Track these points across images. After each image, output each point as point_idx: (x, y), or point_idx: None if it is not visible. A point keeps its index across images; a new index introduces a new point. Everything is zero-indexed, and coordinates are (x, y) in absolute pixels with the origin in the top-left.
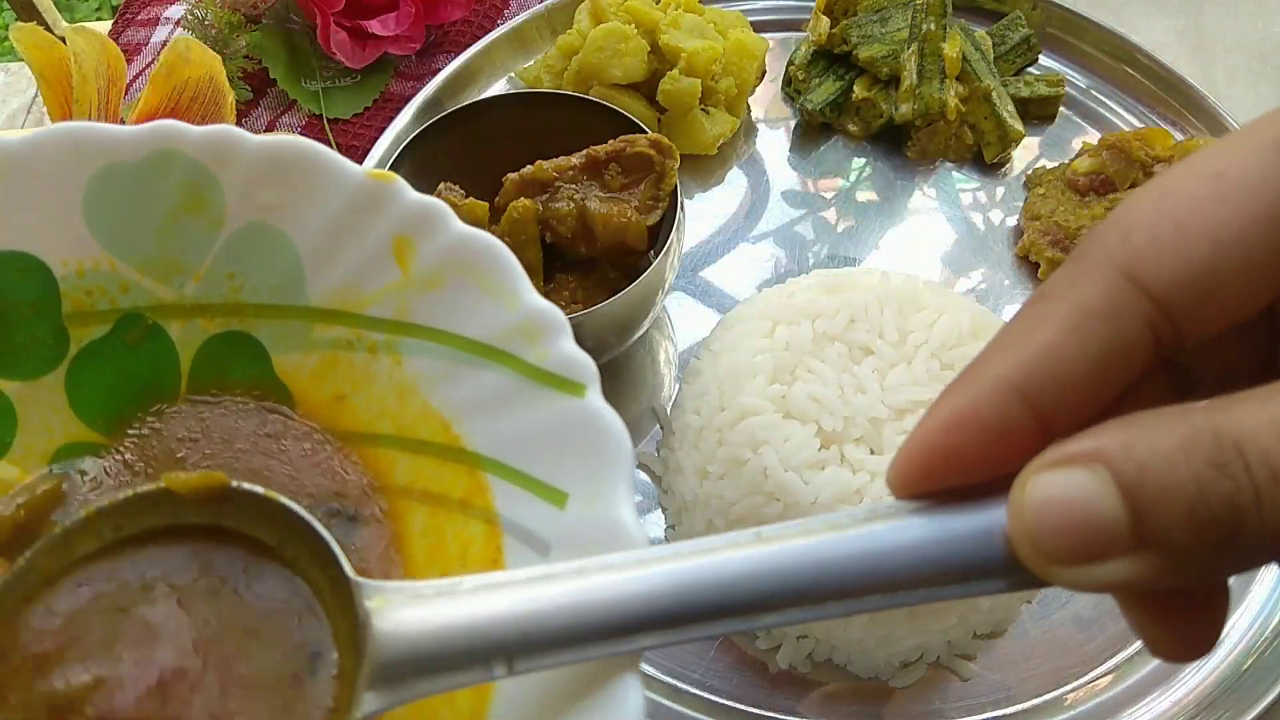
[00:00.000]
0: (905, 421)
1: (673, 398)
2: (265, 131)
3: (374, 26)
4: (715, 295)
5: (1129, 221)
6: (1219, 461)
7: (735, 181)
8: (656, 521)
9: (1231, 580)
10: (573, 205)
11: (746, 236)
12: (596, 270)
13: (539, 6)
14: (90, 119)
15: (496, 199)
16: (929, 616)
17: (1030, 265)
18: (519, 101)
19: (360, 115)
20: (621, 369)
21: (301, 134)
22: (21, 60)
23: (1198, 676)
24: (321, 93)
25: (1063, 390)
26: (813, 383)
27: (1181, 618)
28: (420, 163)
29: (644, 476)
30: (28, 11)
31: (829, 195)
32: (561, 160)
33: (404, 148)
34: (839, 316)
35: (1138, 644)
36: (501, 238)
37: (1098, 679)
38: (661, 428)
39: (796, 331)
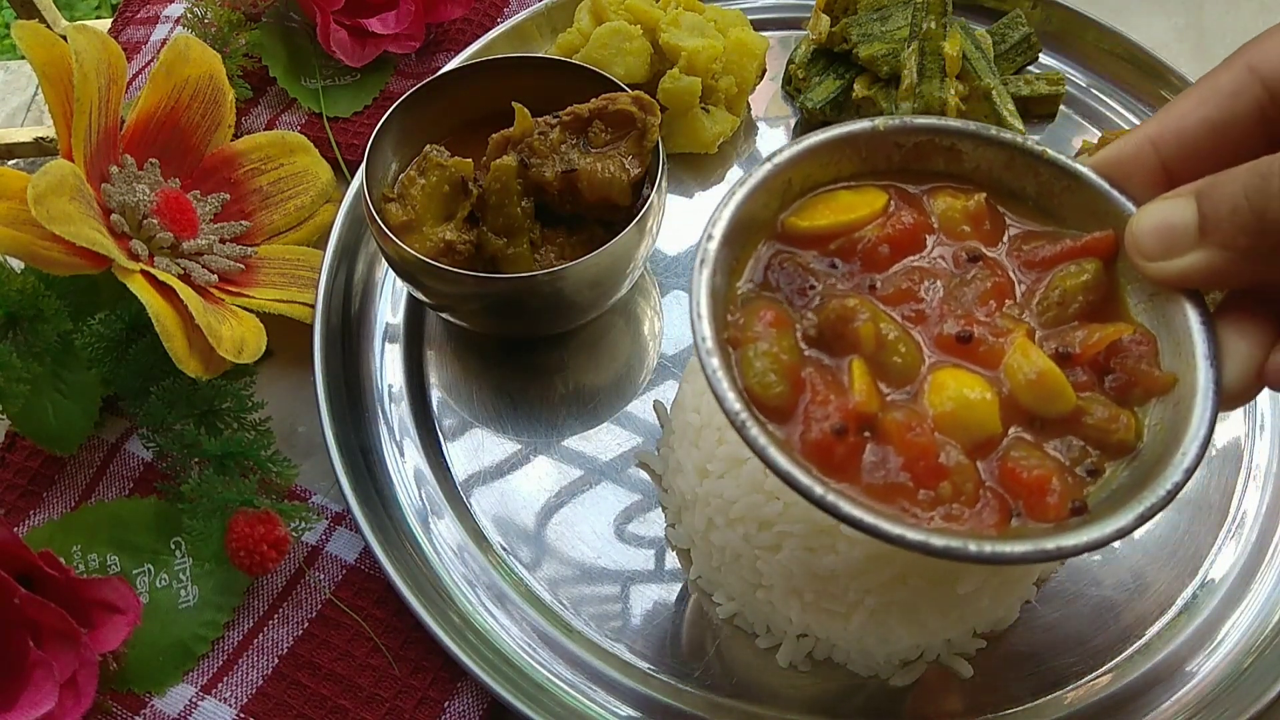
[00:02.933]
0: None
1: (673, 396)
2: (265, 129)
3: (374, 25)
4: None
5: (1268, 31)
6: (1263, 172)
7: (735, 180)
8: (657, 520)
9: (1231, 580)
10: (558, 163)
11: None
12: (584, 228)
13: (539, 5)
14: (91, 117)
15: (483, 158)
16: (929, 615)
17: None
18: (505, 66)
19: (360, 114)
20: (601, 337)
21: (301, 132)
22: (22, 58)
23: (1198, 675)
24: (321, 91)
25: (1183, 146)
26: None
27: None
28: (408, 127)
29: (644, 475)
30: (28, 9)
31: None
32: (546, 119)
33: (392, 112)
34: None
35: (1138, 643)
36: (486, 195)
37: (1098, 678)
38: (662, 426)
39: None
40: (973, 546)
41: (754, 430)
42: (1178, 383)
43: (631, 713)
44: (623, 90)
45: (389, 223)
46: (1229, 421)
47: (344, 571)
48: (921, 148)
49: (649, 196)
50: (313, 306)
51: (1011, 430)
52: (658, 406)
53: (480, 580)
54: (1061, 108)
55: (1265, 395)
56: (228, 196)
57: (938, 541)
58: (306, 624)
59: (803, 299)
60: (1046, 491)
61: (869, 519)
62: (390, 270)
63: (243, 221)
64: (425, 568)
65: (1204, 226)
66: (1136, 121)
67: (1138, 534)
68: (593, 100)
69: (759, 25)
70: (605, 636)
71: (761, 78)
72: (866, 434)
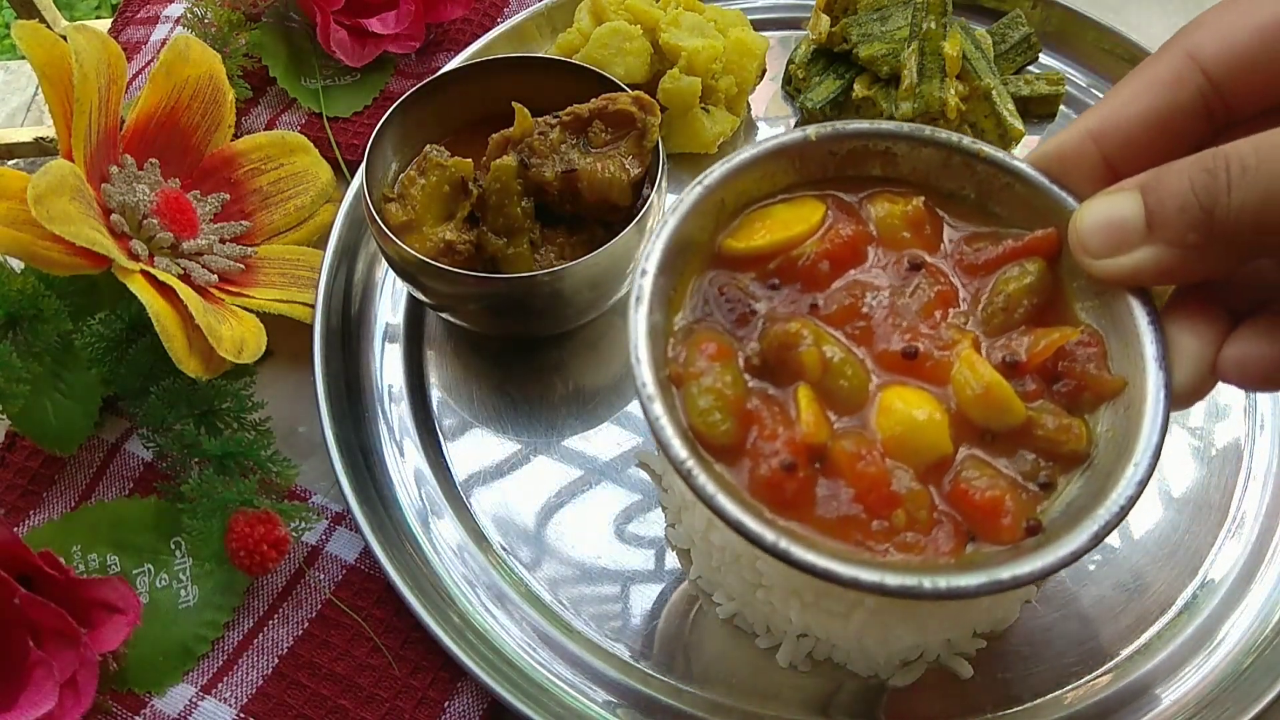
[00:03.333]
0: None
1: None
2: (265, 129)
3: (374, 25)
4: None
5: (1201, 15)
6: (1209, 167)
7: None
8: (657, 520)
9: (1231, 579)
10: (558, 163)
11: None
12: (584, 228)
13: (539, 5)
14: (91, 117)
15: (482, 158)
16: (929, 615)
17: None
18: (505, 66)
19: (360, 114)
20: (601, 337)
21: (301, 132)
22: (22, 58)
23: (1198, 675)
24: (321, 91)
25: (1124, 138)
26: None
27: (1271, 342)
28: (408, 127)
29: (644, 475)
30: (27, 9)
31: None
32: (546, 119)
33: (392, 112)
34: None
35: (1137, 643)
36: (486, 195)
37: (1098, 678)
38: None
39: None
40: (927, 584)
41: (701, 479)
42: (1128, 386)
43: (631, 713)
44: (623, 90)
45: (389, 223)
46: (1229, 421)
47: (344, 571)
48: (856, 153)
49: (649, 196)
50: (312, 306)
51: (963, 448)
52: None
53: (480, 580)
54: (1062, 108)
55: (1266, 395)
56: (228, 196)
57: (892, 581)
58: (306, 624)
59: (744, 326)
60: (1000, 514)
61: (822, 563)
62: (390, 270)
63: (243, 221)
64: (425, 568)
65: (1151, 222)
66: None
67: (1137, 534)
68: (593, 100)
69: (759, 25)
70: (605, 636)
71: (762, 78)
72: (817, 465)
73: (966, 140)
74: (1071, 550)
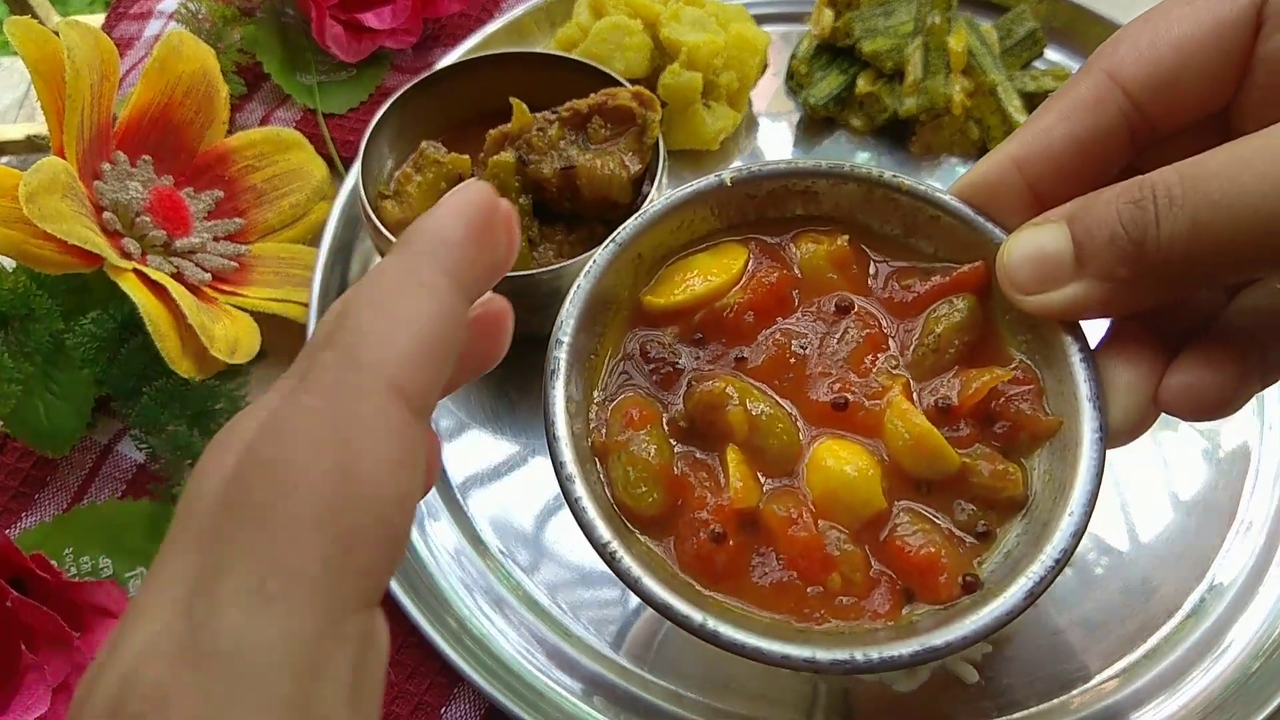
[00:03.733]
0: None
1: None
2: (260, 125)
3: (370, 20)
4: None
5: (1119, 34)
6: (1136, 198)
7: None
8: None
9: (1239, 583)
10: (556, 159)
11: None
12: (583, 225)
13: None
14: (83, 114)
15: (480, 155)
16: None
17: None
18: (503, 61)
19: (356, 110)
20: None
21: (296, 129)
22: (13, 54)
23: (1205, 679)
24: (316, 87)
25: (1048, 164)
26: None
27: (1209, 372)
28: (404, 123)
29: None
30: (20, 4)
31: None
32: (545, 114)
33: (388, 108)
34: None
35: (1144, 647)
36: None
37: (1104, 683)
38: None
39: None
40: (859, 656)
41: (625, 562)
42: (1063, 426)
43: (631, 718)
44: (623, 85)
45: (385, 220)
46: (1237, 422)
47: None
48: (776, 194)
49: (649, 194)
50: (307, 305)
51: (899, 502)
52: None
53: (477, 584)
54: None
55: (1274, 395)
56: (221, 194)
57: (823, 657)
58: None
59: (669, 388)
60: (936, 571)
61: (751, 642)
62: None
63: (236, 219)
64: (421, 572)
65: (1080, 256)
66: None
67: (1144, 537)
68: (592, 96)
69: (761, 20)
70: (604, 641)
71: (764, 73)
72: (748, 532)
73: (887, 174)
74: (1005, 611)
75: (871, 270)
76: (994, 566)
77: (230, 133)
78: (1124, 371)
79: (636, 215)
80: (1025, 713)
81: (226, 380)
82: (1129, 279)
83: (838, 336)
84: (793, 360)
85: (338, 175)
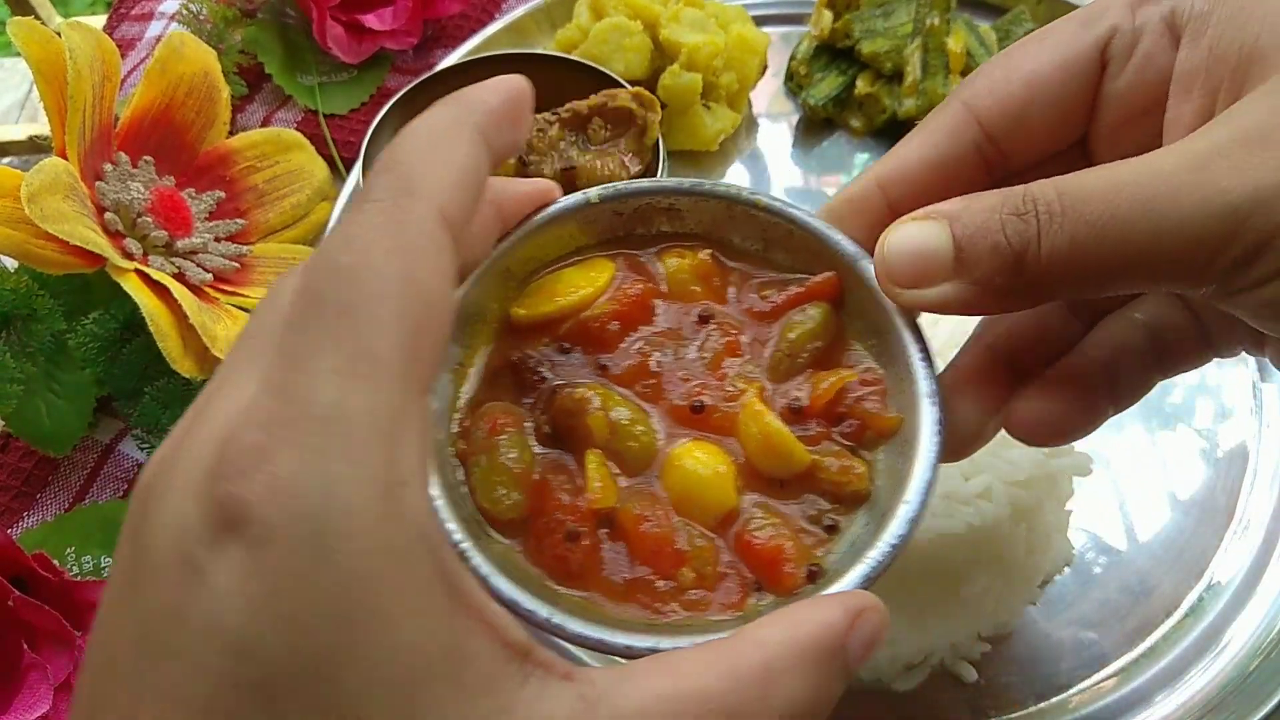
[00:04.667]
0: None
1: None
2: (261, 126)
3: (370, 21)
4: None
5: (981, 67)
6: (1020, 210)
7: (737, 177)
8: None
9: (1237, 582)
10: (556, 160)
11: None
12: None
13: (537, 0)
14: (85, 115)
15: None
16: (933, 619)
17: None
18: (502, 62)
19: (357, 110)
20: None
21: (297, 130)
22: (15, 55)
23: (1203, 678)
24: (317, 88)
25: (908, 185)
26: None
27: (1058, 400)
28: (406, 122)
29: None
30: (22, 6)
31: (831, 191)
32: (545, 115)
33: (388, 109)
34: None
35: (1143, 646)
36: None
37: (1102, 681)
38: None
39: None
40: (701, 642)
41: (475, 561)
42: (904, 423)
43: None
44: (622, 86)
45: None
46: (1235, 422)
47: None
48: (642, 211)
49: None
50: None
51: (753, 497)
52: None
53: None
54: None
55: (1272, 395)
56: (222, 194)
57: (666, 645)
58: None
59: (533, 396)
60: (781, 561)
61: (595, 634)
62: None
63: (237, 220)
64: None
65: (960, 259)
66: None
67: (1142, 537)
68: (592, 97)
69: (760, 21)
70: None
71: (763, 74)
72: (605, 531)
73: (746, 192)
74: (844, 593)
75: (732, 282)
76: (838, 556)
77: (232, 134)
78: (964, 401)
79: (507, 234)
80: (1024, 711)
81: None
82: (1004, 288)
83: (699, 344)
84: (655, 367)
85: (339, 176)
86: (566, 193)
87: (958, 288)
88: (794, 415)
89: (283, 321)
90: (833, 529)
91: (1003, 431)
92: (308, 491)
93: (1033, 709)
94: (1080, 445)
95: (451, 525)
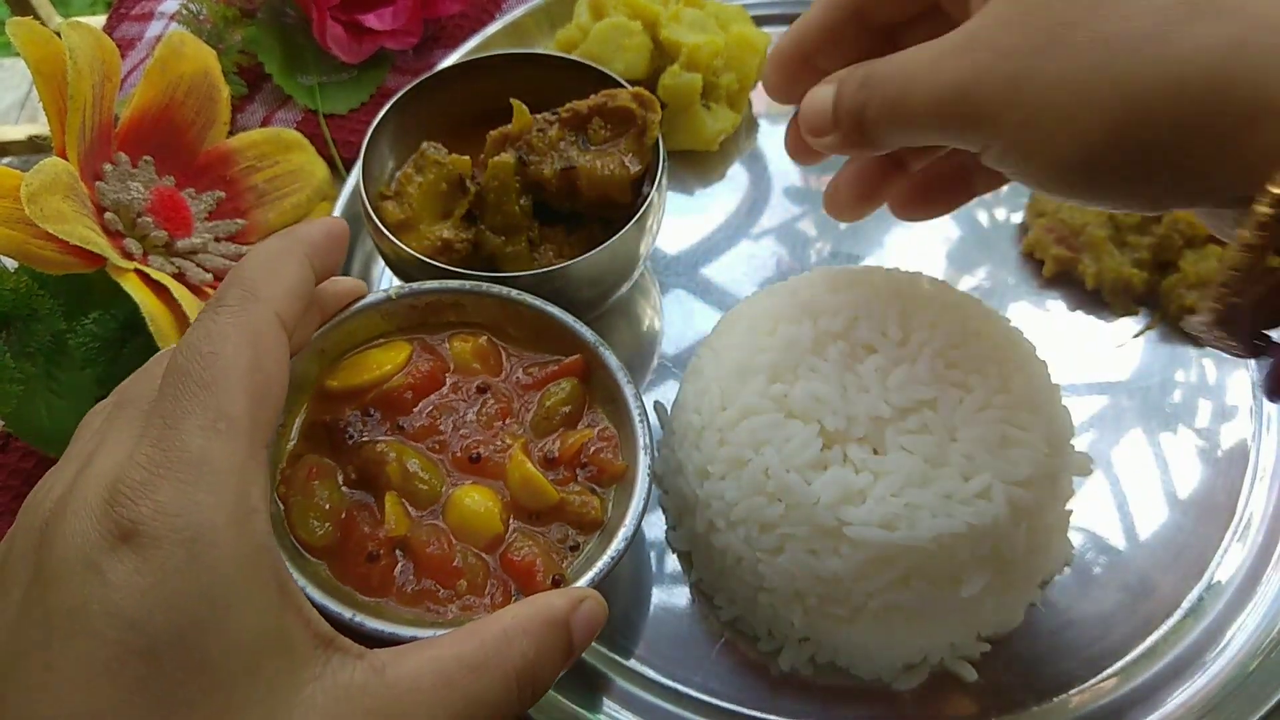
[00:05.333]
0: (908, 420)
1: (673, 396)
2: (261, 126)
3: (370, 21)
4: (717, 293)
5: None
6: (861, 83)
7: (737, 178)
8: (657, 523)
9: (1237, 582)
10: (557, 160)
11: (748, 234)
12: (582, 226)
13: (537, 0)
14: (85, 115)
15: (480, 156)
16: (932, 619)
17: (1035, 263)
18: (502, 62)
19: (357, 110)
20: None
21: (297, 129)
22: (15, 55)
23: (1203, 678)
24: (317, 88)
25: (812, 43)
26: (815, 382)
27: (932, 198)
28: (405, 124)
29: None
30: (21, 5)
31: None
32: (545, 115)
33: (388, 109)
34: (841, 315)
35: (1143, 646)
36: (485, 193)
37: (1103, 681)
38: (662, 427)
39: (798, 330)
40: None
41: (294, 575)
42: (628, 469)
43: (632, 718)
44: (623, 86)
45: (386, 221)
46: (1235, 422)
47: None
48: (434, 305)
49: (649, 194)
50: None
51: (515, 524)
52: (658, 407)
53: None
54: None
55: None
56: (222, 194)
57: (441, 634)
58: None
59: (343, 450)
60: (533, 572)
61: (388, 629)
62: (387, 269)
63: (237, 220)
64: None
65: (834, 116)
66: None
67: (1142, 536)
68: (592, 97)
69: (760, 21)
70: (603, 641)
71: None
72: (398, 553)
73: (514, 293)
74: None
75: (505, 361)
76: (577, 568)
77: (232, 134)
78: (849, 173)
79: (325, 321)
80: (1024, 711)
81: None
82: (857, 138)
83: (477, 409)
84: (441, 427)
85: (338, 176)
86: (563, 194)
87: (836, 138)
88: (548, 463)
89: (154, 394)
90: (575, 549)
91: (1004, 431)
92: (181, 513)
93: (1033, 709)
94: (1080, 446)
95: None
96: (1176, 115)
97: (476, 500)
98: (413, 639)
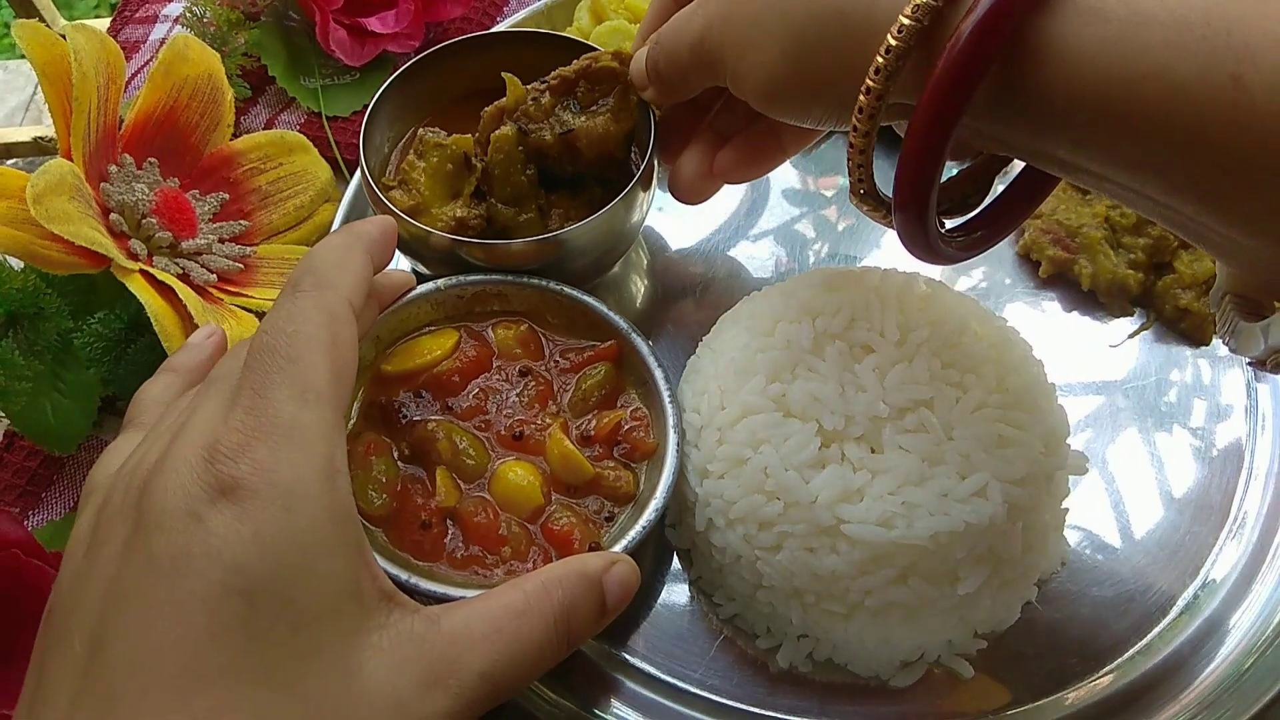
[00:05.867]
0: (906, 420)
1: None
2: (264, 129)
3: (373, 24)
4: (716, 293)
5: None
6: (657, 42)
7: None
8: None
9: (1233, 580)
10: (555, 125)
11: (747, 234)
12: (584, 189)
13: (538, 3)
14: (90, 117)
15: (477, 133)
16: (929, 616)
17: (1031, 264)
18: (492, 41)
19: (360, 113)
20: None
21: (300, 132)
22: (20, 58)
23: (1199, 676)
24: (320, 90)
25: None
26: (813, 381)
27: (753, 159)
28: (398, 107)
29: None
30: (26, 8)
31: (829, 193)
32: (535, 85)
33: (381, 93)
34: (840, 315)
35: (1139, 644)
36: (490, 168)
37: (1099, 679)
38: None
39: (797, 330)
40: None
41: None
42: (659, 446)
43: (631, 714)
44: (598, 49)
45: (397, 208)
46: (1230, 421)
47: None
48: (479, 295)
49: (650, 146)
50: None
51: (554, 496)
52: None
53: None
54: None
55: (1266, 394)
56: (226, 196)
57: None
58: None
59: (398, 427)
60: (572, 540)
61: (440, 590)
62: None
63: (241, 221)
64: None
65: (648, 70)
66: None
67: (1138, 534)
68: (575, 62)
69: None
70: (604, 638)
71: None
72: (448, 522)
73: (554, 284)
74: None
75: (545, 346)
76: (611, 537)
77: (235, 136)
78: (692, 153)
79: (381, 311)
80: (1020, 709)
81: None
82: (664, 86)
83: (519, 391)
84: (487, 407)
85: (341, 177)
86: (565, 158)
87: (653, 89)
88: (584, 441)
89: (242, 369)
90: (610, 519)
91: (1000, 431)
92: (277, 469)
93: (1029, 706)
94: (1076, 445)
95: None
96: (820, 41)
97: (519, 474)
98: (462, 598)
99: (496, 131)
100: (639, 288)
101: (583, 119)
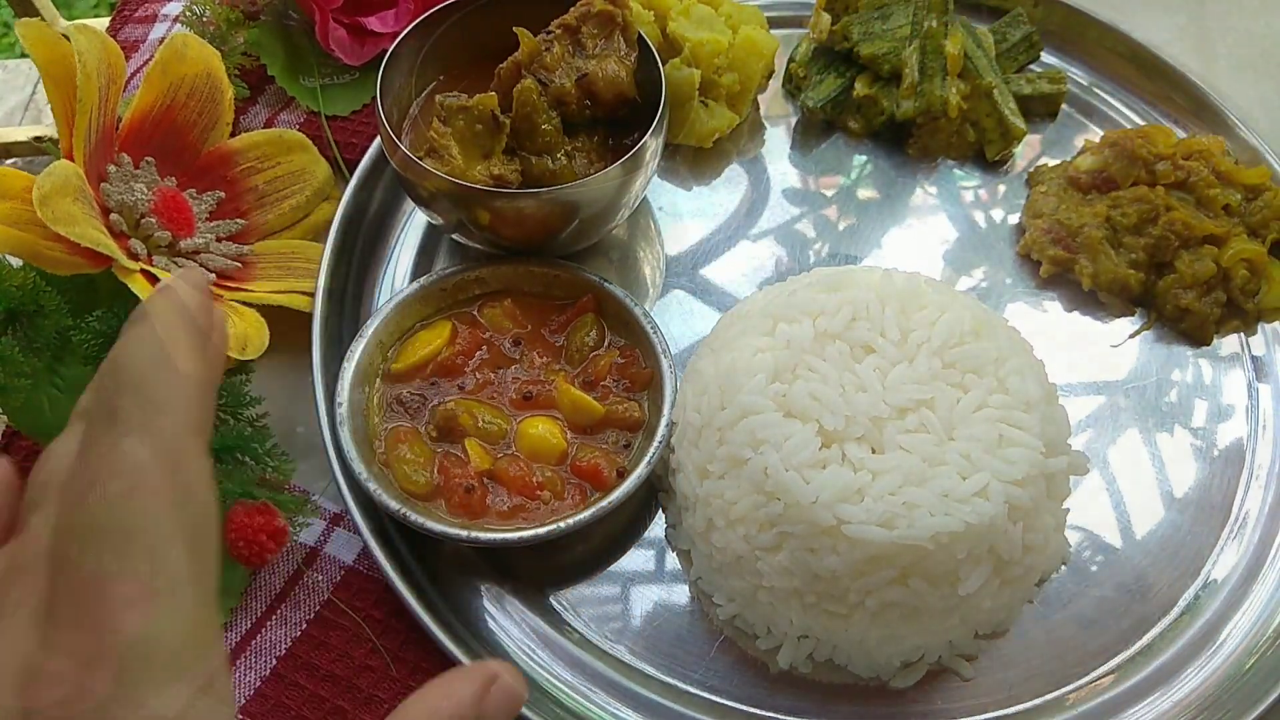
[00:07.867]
0: (906, 420)
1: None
2: (264, 128)
3: (373, 23)
4: (716, 293)
5: None
6: None
7: (736, 179)
8: (657, 521)
9: (1233, 580)
10: (571, 72)
11: (747, 234)
12: (597, 131)
13: None
14: (91, 117)
15: (492, 89)
16: (930, 617)
17: (1032, 263)
18: (491, 4)
19: (358, 112)
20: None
21: (299, 130)
22: (20, 57)
23: (1200, 676)
24: (320, 90)
25: None
26: (814, 381)
27: None
28: (409, 67)
29: None
30: (26, 7)
31: (830, 193)
32: (542, 36)
33: (390, 53)
34: (840, 315)
35: (1139, 644)
36: (517, 122)
37: (1099, 679)
38: None
39: (797, 330)
40: (563, 525)
41: (414, 516)
42: (654, 374)
43: (631, 715)
44: None
45: (429, 178)
46: (1231, 422)
47: (342, 572)
48: (460, 283)
49: (661, 84)
50: (311, 295)
51: (574, 439)
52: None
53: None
54: (1064, 106)
55: (1267, 394)
56: (222, 195)
57: (543, 531)
58: (305, 625)
59: (421, 415)
60: (600, 472)
61: (499, 536)
62: (389, 268)
63: (237, 220)
64: (426, 572)
65: None
66: (1139, 121)
67: (1139, 534)
68: (572, 10)
69: (774, 23)
70: (605, 638)
71: (770, 79)
72: (488, 483)
73: (523, 257)
74: (636, 477)
75: (530, 314)
76: (631, 460)
77: (234, 135)
78: None
79: (373, 316)
80: (1021, 708)
81: (229, 375)
82: None
83: (517, 358)
84: (494, 380)
85: (341, 177)
86: (583, 102)
87: None
88: (588, 385)
89: (57, 563)
90: (628, 446)
91: (1001, 431)
92: None
93: (1030, 705)
94: (1077, 445)
95: (394, 504)
96: None
97: (540, 428)
98: (518, 540)
99: (517, 86)
100: (639, 288)
101: (594, 63)
